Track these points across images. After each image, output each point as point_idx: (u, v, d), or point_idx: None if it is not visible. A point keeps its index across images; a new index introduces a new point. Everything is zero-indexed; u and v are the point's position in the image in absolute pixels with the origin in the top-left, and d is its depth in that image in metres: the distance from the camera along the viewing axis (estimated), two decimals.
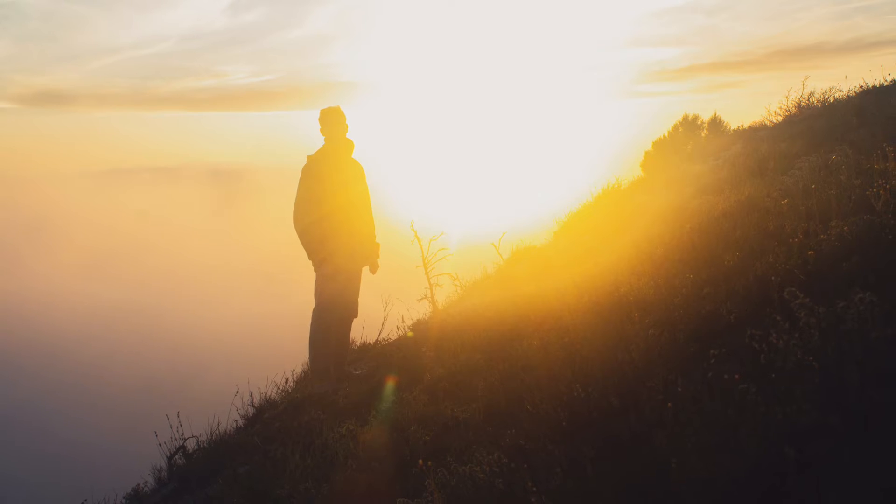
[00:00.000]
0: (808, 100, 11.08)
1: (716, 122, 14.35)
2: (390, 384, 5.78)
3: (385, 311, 8.21)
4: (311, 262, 6.49)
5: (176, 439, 6.26)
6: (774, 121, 11.60)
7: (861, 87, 10.33)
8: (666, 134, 14.65)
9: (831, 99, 10.71)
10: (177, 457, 6.20)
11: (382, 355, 7.33)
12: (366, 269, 6.73)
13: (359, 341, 7.91)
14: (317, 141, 6.56)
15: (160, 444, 6.18)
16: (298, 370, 7.42)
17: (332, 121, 6.46)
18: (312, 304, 6.54)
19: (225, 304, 76.90)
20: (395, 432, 4.38)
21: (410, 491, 3.26)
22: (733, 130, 13.51)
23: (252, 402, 7.01)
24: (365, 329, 7.82)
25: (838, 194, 4.54)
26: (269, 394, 7.11)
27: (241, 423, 6.72)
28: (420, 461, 3.30)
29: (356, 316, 6.77)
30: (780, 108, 11.60)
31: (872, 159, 5.00)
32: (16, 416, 46.70)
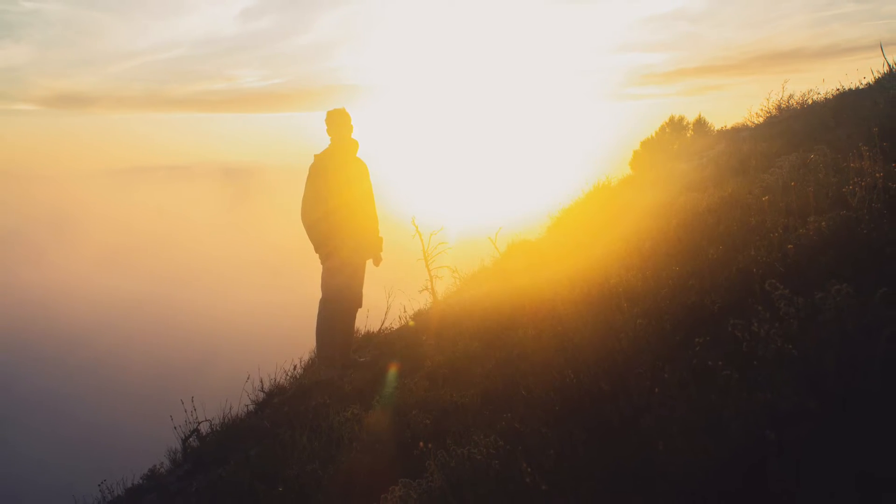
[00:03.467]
0: (788, 102, 11.06)
1: (700, 123, 14.33)
2: (393, 371, 5.78)
3: (388, 301, 8.21)
4: (318, 255, 6.48)
5: (190, 423, 6.26)
6: (756, 122, 11.58)
7: (838, 90, 10.30)
8: (653, 134, 14.62)
9: (810, 101, 10.69)
10: (191, 439, 6.20)
11: (385, 343, 7.33)
12: (370, 262, 6.72)
13: (363, 330, 7.91)
14: (323, 141, 6.55)
15: (175, 428, 6.18)
16: (306, 358, 7.42)
17: (337, 122, 6.45)
18: (319, 295, 6.53)
19: (236, 295, 76.93)
20: (398, 416, 4.38)
21: (412, 471, 3.26)
22: (717, 131, 13.48)
23: (262, 387, 7.02)
24: (369, 319, 7.83)
25: (816, 191, 4.54)
26: (278, 380, 7.11)
27: (251, 407, 6.72)
28: (421, 443, 3.30)
29: (360, 306, 6.77)
30: (762, 109, 11.58)
31: (849, 158, 4.99)
32: (38, 401, 46.78)
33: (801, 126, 8.63)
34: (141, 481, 6.02)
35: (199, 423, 6.29)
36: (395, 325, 8.08)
